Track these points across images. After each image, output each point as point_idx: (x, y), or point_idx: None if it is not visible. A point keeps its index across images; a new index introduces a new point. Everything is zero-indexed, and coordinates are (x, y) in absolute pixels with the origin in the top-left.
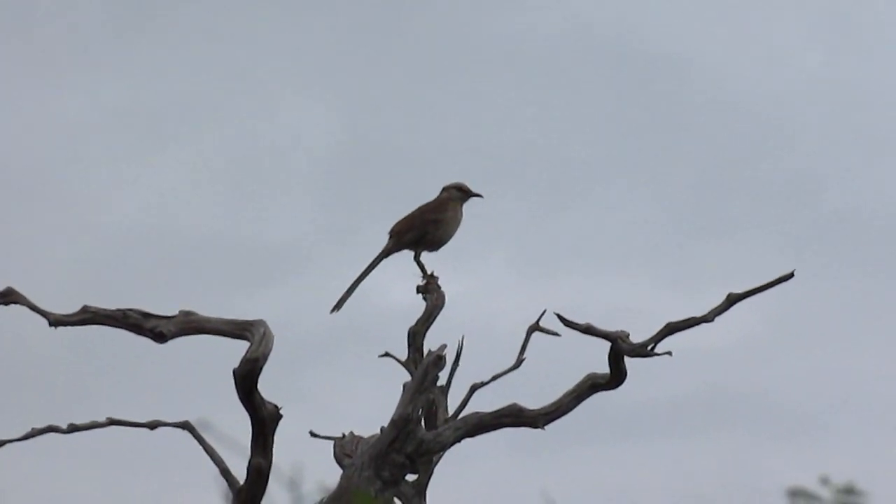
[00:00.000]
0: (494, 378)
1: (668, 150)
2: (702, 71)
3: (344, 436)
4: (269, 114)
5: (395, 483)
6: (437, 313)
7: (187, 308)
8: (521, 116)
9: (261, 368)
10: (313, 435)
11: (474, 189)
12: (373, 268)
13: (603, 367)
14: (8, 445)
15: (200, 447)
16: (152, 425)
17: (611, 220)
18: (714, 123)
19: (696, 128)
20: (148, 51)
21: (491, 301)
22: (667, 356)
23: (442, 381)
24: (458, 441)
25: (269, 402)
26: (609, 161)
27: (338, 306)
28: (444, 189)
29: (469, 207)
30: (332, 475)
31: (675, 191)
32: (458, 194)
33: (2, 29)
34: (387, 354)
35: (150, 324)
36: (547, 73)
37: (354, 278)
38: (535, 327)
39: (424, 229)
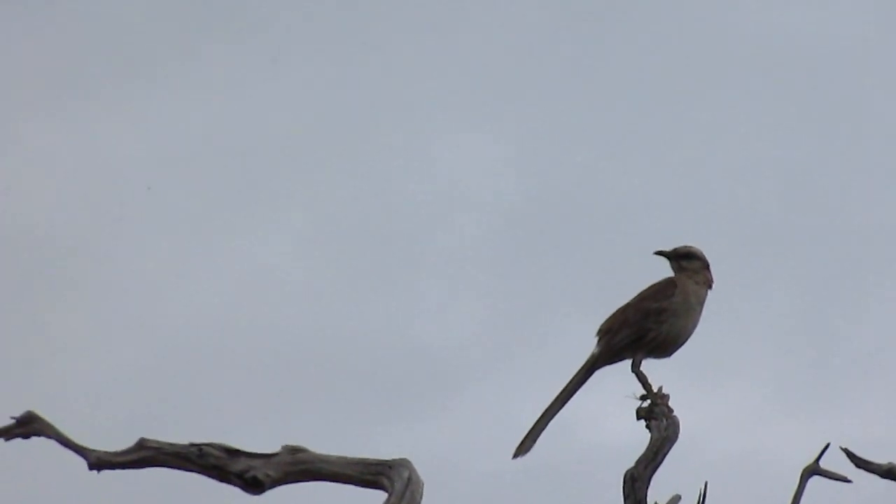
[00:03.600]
0: None
1: None
2: None
3: None
4: (411, 159)
5: None
6: (668, 449)
7: (294, 443)
8: (782, 151)
9: None
10: None
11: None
12: (574, 389)
13: None
14: None
15: None
16: None
17: None
18: None
19: None
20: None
21: (747, 432)
22: None
23: None
24: None
25: None
26: None
27: (523, 448)
28: (675, 260)
29: (715, 295)
30: None
31: None
32: (695, 265)
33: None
34: None
35: (238, 465)
36: (823, 87)
37: (546, 406)
38: (814, 469)
39: (644, 325)
